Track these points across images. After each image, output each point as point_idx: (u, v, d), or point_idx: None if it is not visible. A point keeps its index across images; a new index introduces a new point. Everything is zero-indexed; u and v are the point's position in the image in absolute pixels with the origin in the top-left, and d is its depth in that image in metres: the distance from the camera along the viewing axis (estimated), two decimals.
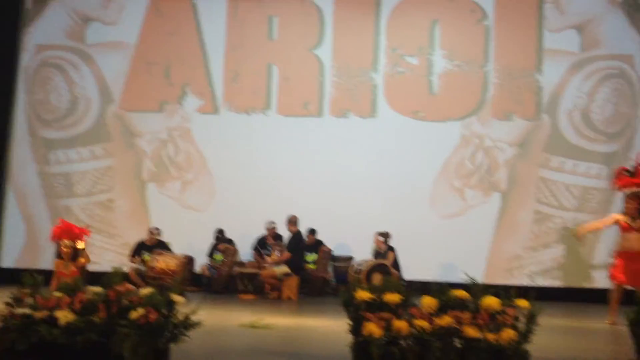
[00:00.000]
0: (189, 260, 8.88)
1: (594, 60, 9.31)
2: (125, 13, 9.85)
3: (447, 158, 9.38)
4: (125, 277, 4.01)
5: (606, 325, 6.46)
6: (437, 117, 9.46)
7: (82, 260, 6.92)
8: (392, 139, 9.46)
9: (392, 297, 3.53)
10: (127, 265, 8.78)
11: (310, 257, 8.95)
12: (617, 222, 6.71)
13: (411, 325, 3.46)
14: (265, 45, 9.79)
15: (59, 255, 6.92)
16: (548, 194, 9.22)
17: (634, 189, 6.66)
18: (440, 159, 9.38)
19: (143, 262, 8.58)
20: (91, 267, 9.17)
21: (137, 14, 9.82)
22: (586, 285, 9.04)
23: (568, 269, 9.11)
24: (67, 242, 6.82)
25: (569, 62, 9.34)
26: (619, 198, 8.97)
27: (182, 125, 9.72)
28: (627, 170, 6.86)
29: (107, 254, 9.41)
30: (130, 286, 3.90)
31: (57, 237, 6.96)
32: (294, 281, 8.28)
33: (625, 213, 6.68)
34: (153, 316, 3.60)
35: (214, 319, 5.81)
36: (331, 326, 5.36)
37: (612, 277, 6.71)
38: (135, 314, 3.59)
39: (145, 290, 3.79)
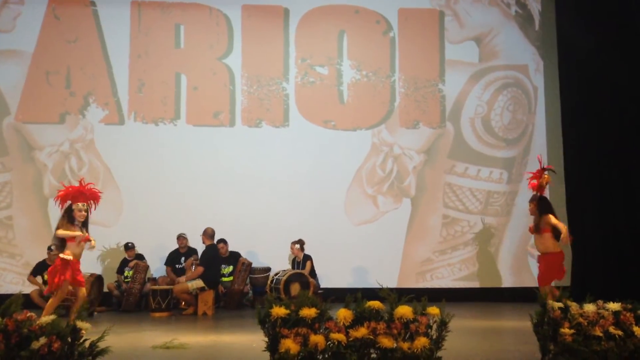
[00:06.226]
0: (97, 279, 8.49)
1: (492, 70, 9.84)
2: (21, 20, 9.35)
3: (359, 166, 9.56)
4: (26, 300, 3.76)
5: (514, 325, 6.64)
6: (347, 126, 9.63)
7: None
8: (305, 148, 9.53)
9: (308, 312, 3.53)
10: (29, 286, 8.29)
11: (226, 269, 8.81)
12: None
13: (328, 339, 3.47)
14: (173, 53, 9.59)
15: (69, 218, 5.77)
16: (454, 199, 9.62)
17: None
18: (352, 167, 9.55)
19: (45, 282, 8.09)
20: None
21: (34, 21, 9.36)
22: (494, 284, 9.48)
23: (476, 269, 9.50)
24: (80, 205, 5.74)
25: (469, 72, 9.81)
26: (520, 200, 9.50)
27: (85, 136, 9.32)
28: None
29: (8, 275, 8.93)
30: (31, 313, 3.66)
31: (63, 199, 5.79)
32: (209, 296, 8.11)
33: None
34: (57, 345, 3.42)
35: (125, 341, 5.58)
36: (249, 341, 5.29)
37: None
38: (37, 343, 3.39)
39: (47, 318, 3.57)
